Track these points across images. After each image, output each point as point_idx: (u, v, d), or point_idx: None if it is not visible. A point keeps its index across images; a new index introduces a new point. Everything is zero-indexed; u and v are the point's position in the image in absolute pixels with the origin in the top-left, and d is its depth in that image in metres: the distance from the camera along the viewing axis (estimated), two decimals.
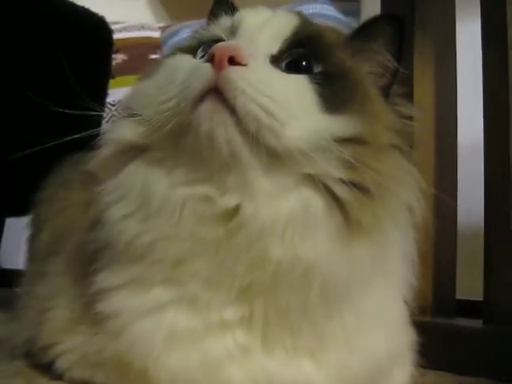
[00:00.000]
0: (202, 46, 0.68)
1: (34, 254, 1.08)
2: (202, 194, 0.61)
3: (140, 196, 0.64)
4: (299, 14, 0.70)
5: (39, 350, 0.77)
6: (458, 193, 1.18)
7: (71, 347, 0.73)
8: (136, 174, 0.65)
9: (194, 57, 0.68)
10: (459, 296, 1.20)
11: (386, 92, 0.70)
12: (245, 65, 0.59)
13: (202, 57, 0.67)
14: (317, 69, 0.64)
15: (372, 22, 0.72)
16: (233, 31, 0.67)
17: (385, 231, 0.62)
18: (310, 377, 0.65)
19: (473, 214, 1.13)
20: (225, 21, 0.70)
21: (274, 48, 0.64)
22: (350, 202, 0.59)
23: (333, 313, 0.64)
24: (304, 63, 0.64)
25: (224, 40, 0.67)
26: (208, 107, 0.58)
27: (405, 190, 0.65)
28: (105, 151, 0.69)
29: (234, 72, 0.58)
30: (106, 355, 0.68)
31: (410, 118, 0.73)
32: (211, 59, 0.59)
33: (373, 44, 0.71)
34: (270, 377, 0.63)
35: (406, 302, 0.75)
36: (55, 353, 0.74)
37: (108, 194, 0.67)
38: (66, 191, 1.08)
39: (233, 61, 0.58)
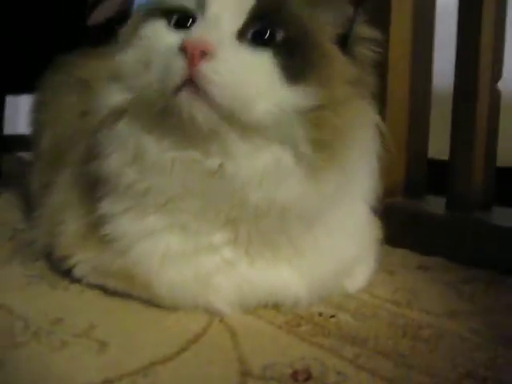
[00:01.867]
0: (173, 17, 0.73)
1: (39, 154, 1.17)
2: (189, 157, 0.72)
3: (134, 153, 0.75)
4: None
5: (57, 259, 0.90)
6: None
7: (84, 260, 0.86)
8: (128, 133, 0.75)
9: (168, 22, 0.74)
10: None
11: (345, 38, 0.75)
12: (215, 55, 0.65)
13: (176, 25, 0.73)
14: (279, 35, 0.70)
15: None
16: (200, 4, 0.71)
17: (344, 167, 0.74)
18: (286, 280, 0.80)
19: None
20: None
21: (239, 22, 0.69)
22: (312, 155, 0.70)
23: (306, 230, 0.78)
24: (267, 32, 0.70)
25: (192, 10, 0.72)
26: (187, 96, 0.66)
27: (362, 132, 0.76)
28: (99, 113, 0.77)
29: (205, 67, 0.65)
30: (114, 268, 0.81)
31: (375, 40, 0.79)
32: (184, 51, 0.65)
33: None
34: (252, 283, 0.79)
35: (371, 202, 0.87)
36: (71, 263, 0.88)
37: (106, 144, 0.77)
38: (61, 96, 1.16)
39: (204, 54, 0.65)
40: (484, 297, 0.91)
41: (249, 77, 0.68)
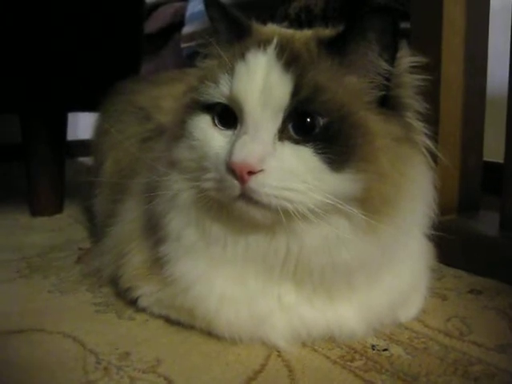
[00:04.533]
0: (215, 109, 0.78)
1: (102, 179, 1.24)
2: (252, 240, 0.79)
3: (196, 223, 0.82)
4: (290, 67, 0.73)
5: (123, 289, 0.96)
6: None
7: (148, 292, 0.92)
8: (190, 205, 0.82)
9: (213, 118, 0.79)
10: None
11: (385, 96, 0.77)
12: (261, 170, 0.70)
13: (219, 122, 0.78)
14: (319, 123, 0.73)
15: (354, 22, 0.73)
16: (236, 103, 0.75)
17: (399, 219, 0.77)
18: (343, 316, 0.83)
19: None
20: (223, 84, 0.76)
21: (278, 121, 0.73)
22: (366, 219, 0.74)
23: (370, 279, 0.83)
24: (307, 125, 0.73)
25: (231, 107, 0.76)
26: (244, 205, 0.74)
27: (412, 183, 0.78)
28: (164, 194, 0.84)
29: (254, 182, 0.71)
30: (176, 303, 0.86)
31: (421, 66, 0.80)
32: (232, 170, 0.71)
33: (361, 51, 0.75)
34: (308, 322, 0.82)
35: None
36: (136, 294, 0.93)
37: (167, 205, 0.84)
38: (121, 124, 1.22)
39: (251, 172, 0.70)
40: None
41: (295, 178, 0.72)
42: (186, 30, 2.07)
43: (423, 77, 0.80)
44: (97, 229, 1.24)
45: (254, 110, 0.73)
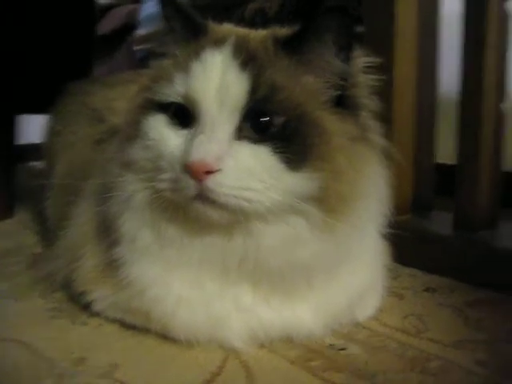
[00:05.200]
0: (170, 108, 0.77)
1: (54, 181, 1.21)
2: (209, 241, 0.77)
3: (151, 225, 0.80)
4: (247, 66, 0.73)
5: (76, 293, 0.93)
6: None
7: (102, 296, 0.90)
8: (144, 207, 0.80)
9: (166, 117, 0.77)
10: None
11: (341, 97, 0.77)
12: (218, 170, 0.70)
13: (175, 121, 0.77)
14: (277, 122, 0.72)
15: (311, 21, 0.74)
16: (192, 103, 0.74)
17: (355, 217, 0.77)
18: (300, 316, 0.83)
19: None
20: (179, 83, 0.75)
21: (236, 119, 0.72)
22: (323, 218, 0.74)
23: (328, 277, 0.83)
24: (264, 123, 0.72)
25: (186, 107, 0.75)
26: (201, 205, 0.73)
27: (368, 181, 0.79)
28: (118, 195, 0.82)
29: (211, 182, 0.70)
30: (132, 306, 0.85)
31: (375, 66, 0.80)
32: (188, 170, 0.70)
33: (317, 50, 0.75)
34: (266, 322, 0.82)
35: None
36: (90, 298, 0.91)
37: (121, 207, 0.82)
38: (74, 125, 1.19)
39: (208, 172, 0.69)
40: (490, 322, 0.94)
41: (253, 177, 0.71)
42: (140, 32, 2.05)
43: (377, 77, 0.81)
44: (49, 233, 1.20)
45: (211, 108, 0.72)
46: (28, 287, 1.05)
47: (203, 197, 0.71)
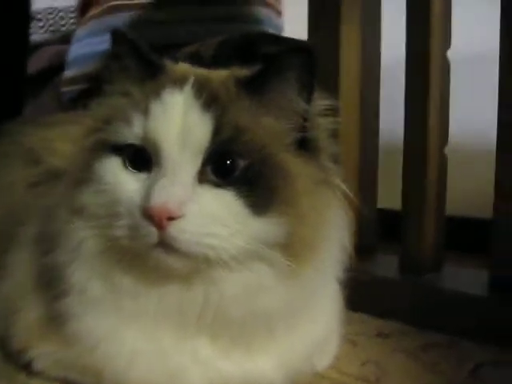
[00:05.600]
0: (126, 151, 0.72)
1: None
2: (167, 291, 0.73)
3: (103, 277, 0.75)
4: (210, 107, 0.70)
5: (14, 351, 0.85)
6: None
7: (45, 353, 0.81)
8: (96, 255, 0.74)
9: (122, 160, 0.72)
10: None
11: (303, 138, 0.75)
12: (181, 216, 0.66)
13: (131, 164, 0.72)
14: (239, 165, 0.69)
15: (273, 61, 0.73)
16: (151, 145, 0.70)
17: (319, 262, 0.75)
18: (261, 368, 0.79)
19: None
20: (137, 125, 0.71)
21: (198, 163, 0.69)
22: (287, 264, 0.71)
23: (288, 327, 0.79)
24: (227, 167, 0.69)
25: (145, 149, 0.70)
26: (161, 253, 0.68)
27: (330, 226, 0.77)
28: (65, 243, 0.76)
29: (173, 229, 0.66)
30: (80, 364, 0.78)
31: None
32: (150, 218, 0.66)
33: (280, 89, 0.73)
34: (226, 376, 0.77)
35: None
36: (30, 356, 0.83)
37: (68, 256, 0.76)
38: (6, 168, 1.11)
39: (170, 218, 0.65)
40: (446, 366, 0.93)
41: (216, 223, 0.67)
42: (68, 73, 1.98)
43: (334, 119, 0.80)
44: None
45: (172, 151, 0.68)
46: None
47: (165, 245, 0.67)
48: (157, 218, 0.65)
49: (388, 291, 1.16)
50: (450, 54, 1.17)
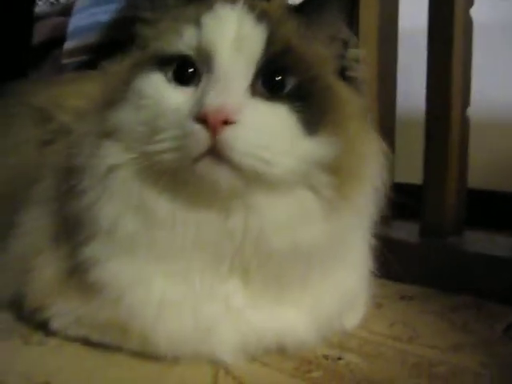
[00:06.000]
0: (170, 68, 0.69)
1: None
2: (205, 218, 0.68)
3: (136, 206, 0.69)
4: (262, 21, 0.68)
5: (29, 310, 0.80)
6: None
7: (64, 310, 0.77)
8: (130, 186, 0.70)
9: (166, 75, 0.69)
10: None
11: (343, 68, 0.74)
12: (236, 122, 0.62)
13: (176, 78, 0.69)
14: (290, 83, 0.67)
15: None
16: (203, 55, 0.67)
17: (360, 203, 0.72)
18: (292, 322, 0.75)
19: None
20: (189, 35, 0.68)
21: (250, 75, 0.66)
22: (332, 196, 0.68)
23: (324, 270, 0.74)
24: (278, 82, 0.67)
25: (194, 60, 0.68)
26: (208, 164, 0.63)
27: (373, 165, 0.74)
28: (93, 174, 0.71)
29: (228, 134, 0.61)
30: (101, 319, 0.73)
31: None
32: (204, 120, 0.61)
33: (326, 19, 0.72)
34: (257, 328, 0.73)
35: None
36: (47, 314, 0.79)
37: (98, 190, 0.70)
38: (15, 127, 1.06)
39: (225, 122, 0.61)
40: (477, 326, 0.90)
41: (270, 135, 0.64)
42: (69, 45, 1.93)
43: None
44: None
45: (227, 59, 0.66)
46: None
47: (215, 153, 0.62)
48: (212, 121, 0.61)
49: (409, 255, 1.12)
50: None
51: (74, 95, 1.01)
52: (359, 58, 0.76)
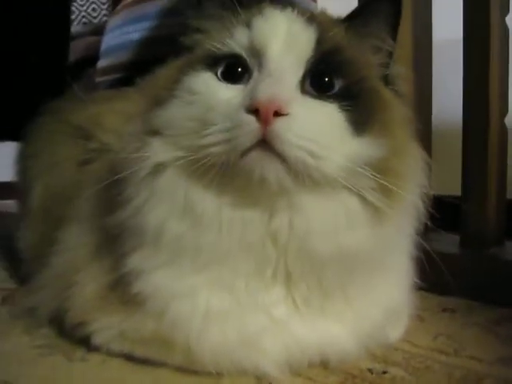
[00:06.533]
0: (219, 67, 0.70)
1: (29, 209, 1.08)
2: (250, 217, 0.68)
3: (183, 208, 0.69)
4: (315, 20, 0.71)
5: (71, 326, 0.81)
6: None
7: (106, 325, 0.77)
8: (176, 187, 0.69)
9: (216, 74, 0.70)
10: None
11: (386, 77, 0.75)
12: (287, 114, 0.62)
13: (225, 77, 0.70)
14: (338, 84, 0.68)
15: (370, 3, 0.74)
16: (254, 53, 0.69)
17: (404, 210, 0.72)
18: (335, 334, 0.74)
19: None
20: (240, 35, 0.70)
21: (300, 73, 0.68)
22: (378, 201, 0.67)
23: (367, 281, 0.74)
24: (327, 82, 0.68)
25: (244, 58, 0.69)
26: (258, 157, 0.63)
27: (417, 174, 0.74)
28: (139, 177, 0.71)
29: (279, 126, 0.62)
30: (145, 333, 0.73)
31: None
32: (255, 111, 0.62)
33: (374, 28, 0.74)
34: (301, 340, 0.72)
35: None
36: (90, 330, 0.79)
37: (143, 195, 0.71)
38: (53, 145, 1.08)
39: (276, 113, 0.62)
40: None
41: (320, 130, 0.65)
42: (102, 63, 1.96)
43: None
44: (24, 266, 1.07)
45: (278, 55, 0.67)
46: (7, 324, 0.92)
47: (266, 144, 0.62)
48: (264, 111, 0.62)
49: (449, 267, 1.10)
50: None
51: (112, 114, 1.03)
52: (400, 74, 0.77)
